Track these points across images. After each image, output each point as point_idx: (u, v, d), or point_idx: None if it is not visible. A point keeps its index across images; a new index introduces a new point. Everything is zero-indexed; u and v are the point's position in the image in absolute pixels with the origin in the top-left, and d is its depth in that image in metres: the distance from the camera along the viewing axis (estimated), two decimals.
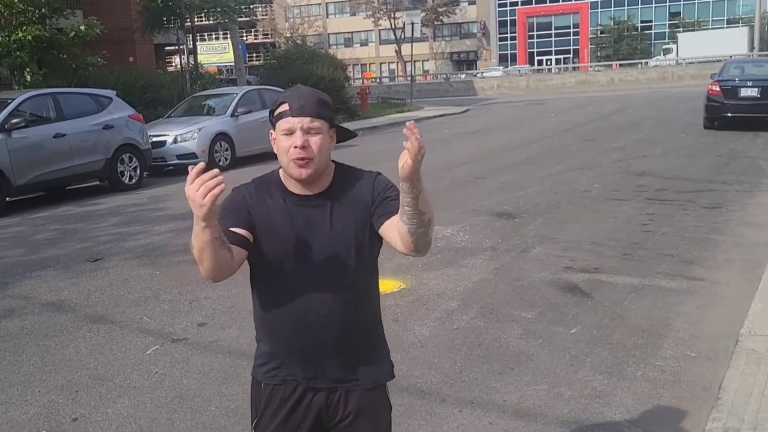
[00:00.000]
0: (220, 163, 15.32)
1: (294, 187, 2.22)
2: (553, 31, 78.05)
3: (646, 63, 56.70)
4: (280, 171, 2.25)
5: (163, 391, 4.48)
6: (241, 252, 2.14)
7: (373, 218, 2.21)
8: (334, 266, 2.20)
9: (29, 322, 5.90)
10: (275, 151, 2.20)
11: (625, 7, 77.25)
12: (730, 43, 53.49)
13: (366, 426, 2.31)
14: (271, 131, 2.22)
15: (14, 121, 11.48)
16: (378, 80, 61.79)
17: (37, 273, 7.37)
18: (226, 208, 2.20)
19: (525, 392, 4.23)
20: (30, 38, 15.94)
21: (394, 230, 2.14)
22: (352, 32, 79.84)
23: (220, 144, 15.49)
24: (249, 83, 26.11)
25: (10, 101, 11.90)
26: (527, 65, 68.56)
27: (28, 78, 16.95)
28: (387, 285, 6.32)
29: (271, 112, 2.20)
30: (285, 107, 2.15)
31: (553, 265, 6.80)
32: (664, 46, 66.26)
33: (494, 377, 4.46)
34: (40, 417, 4.21)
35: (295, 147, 2.12)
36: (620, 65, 56.55)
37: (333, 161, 2.26)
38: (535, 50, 78.64)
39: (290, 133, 2.13)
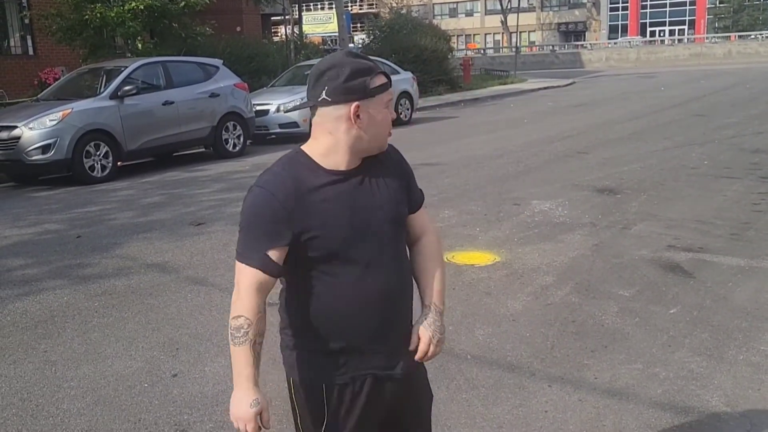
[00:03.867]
0: None
1: (330, 164, 2.02)
2: (668, 1, 74.68)
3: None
4: (305, 149, 2.05)
5: None
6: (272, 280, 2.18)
7: (408, 199, 2.18)
8: (387, 240, 2.08)
9: (135, 281, 6.16)
10: (366, 126, 1.99)
11: None
12: None
13: (414, 386, 2.26)
14: (357, 104, 1.95)
15: (126, 88, 11.91)
16: (482, 51, 60.94)
17: (144, 235, 7.68)
18: (259, 225, 2.03)
19: (618, 371, 4.13)
20: (142, 7, 16.43)
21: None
22: (457, 2, 78.90)
23: None
24: None
25: (123, 69, 12.36)
26: (638, 36, 66.14)
27: (140, 46, 17.48)
28: (481, 258, 6.28)
29: (363, 84, 1.95)
30: (383, 79, 2.00)
31: (655, 243, 6.58)
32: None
33: (586, 354, 4.37)
34: (143, 371, 4.40)
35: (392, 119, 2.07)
36: (739, 37, 53.83)
37: None
38: (647, 21, 75.59)
39: (387, 106, 2.04)
